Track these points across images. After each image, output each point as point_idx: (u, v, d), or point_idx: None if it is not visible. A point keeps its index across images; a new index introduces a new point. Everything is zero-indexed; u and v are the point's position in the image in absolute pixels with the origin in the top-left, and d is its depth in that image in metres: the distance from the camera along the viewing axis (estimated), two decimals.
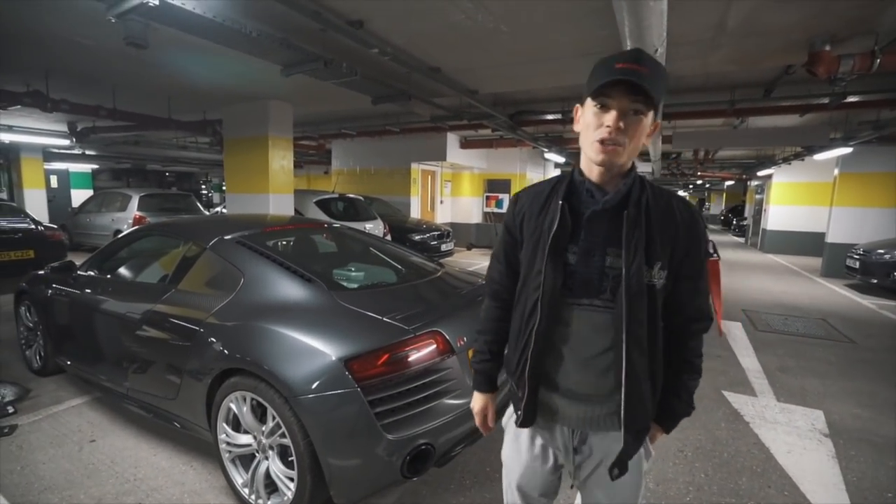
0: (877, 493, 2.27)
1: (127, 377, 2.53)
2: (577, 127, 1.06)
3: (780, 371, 3.83)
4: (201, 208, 10.40)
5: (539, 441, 1.20)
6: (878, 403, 3.26)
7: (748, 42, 3.59)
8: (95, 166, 16.31)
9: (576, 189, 1.07)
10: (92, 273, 3.06)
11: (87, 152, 11.91)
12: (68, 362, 3.04)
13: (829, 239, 8.84)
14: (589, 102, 0.99)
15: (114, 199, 9.38)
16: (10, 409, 2.86)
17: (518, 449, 1.23)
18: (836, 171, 8.76)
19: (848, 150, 7.57)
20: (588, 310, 1.04)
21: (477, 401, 1.32)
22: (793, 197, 11.92)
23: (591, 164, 1.03)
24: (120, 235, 3.31)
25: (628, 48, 2.56)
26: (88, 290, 2.91)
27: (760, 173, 13.21)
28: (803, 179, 11.63)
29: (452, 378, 1.98)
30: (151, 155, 12.86)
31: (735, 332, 4.87)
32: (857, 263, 7.35)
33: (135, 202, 8.80)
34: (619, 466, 1.08)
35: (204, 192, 22.73)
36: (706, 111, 5.99)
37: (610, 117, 0.95)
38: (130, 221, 8.52)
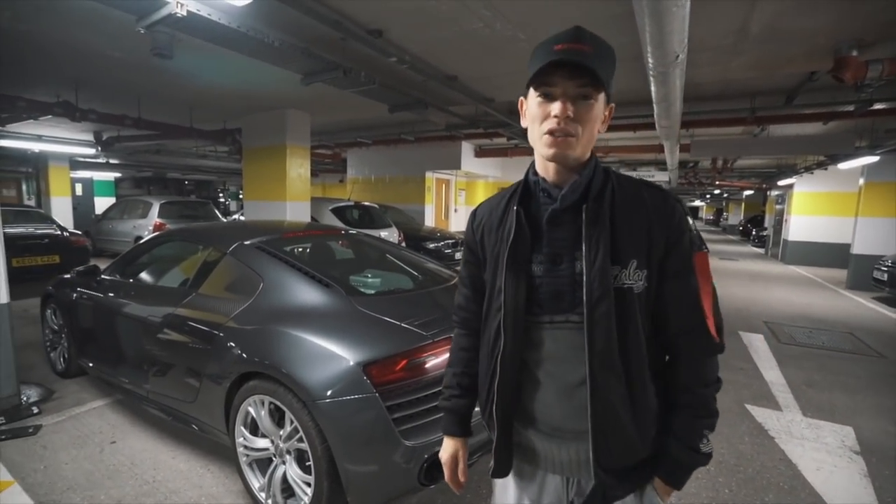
0: None
1: (147, 379, 2.56)
2: (523, 122, 0.93)
3: (805, 385, 3.71)
4: (219, 215, 10.60)
5: (526, 499, 0.99)
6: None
7: (771, 47, 3.53)
8: (118, 175, 16.80)
9: (531, 191, 0.94)
10: (115, 277, 3.13)
11: (111, 161, 12.26)
12: (91, 364, 3.10)
13: (855, 250, 8.60)
14: (532, 93, 0.87)
15: (135, 207, 9.62)
16: (35, 410, 2.92)
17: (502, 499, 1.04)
18: (861, 181, 8.54)
19: (874, 158, 7.38)
20: (564, 328, 0.88)
21: (445, 448, 1.09)
22: (815, 207, 11.63)
23: (544, 162, 0.91)
24: (142, 241, 3.38)
25: (648, 53, 2.57)
26: (111, 294, 2.97)
27: (781, 183, 12.94)
28: (826, 189, 11.34)
29: None
30: (172, 163, 13.19)
31: (757, 345, 4.74)
32: (886, 275, 7.13)
33: (155, 209, 9.01)
34: None
35: (221, 199, 23.17)
36: (725, 119, 5.91)
37: (556, 106, 0.83)
38: (151, 228, 8.72)
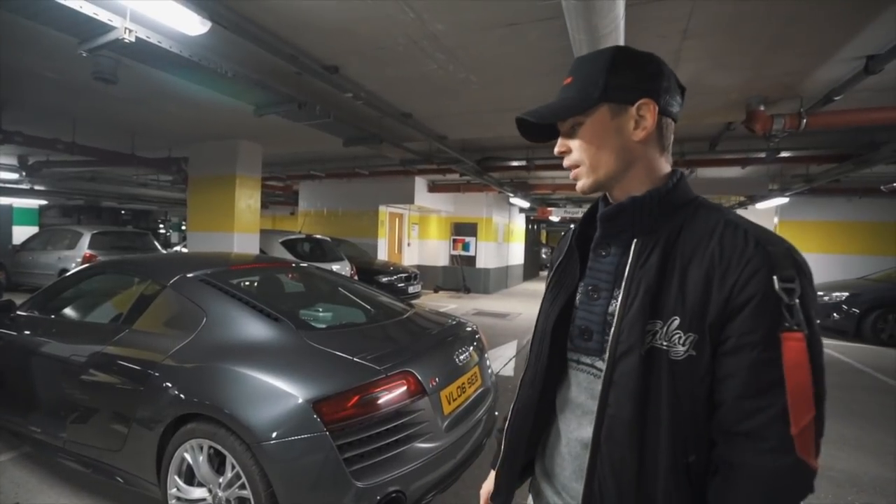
0: None
1: (65, 428, 2.29)
2: None
3: None
4: (159, 247, 9.99)
5: None
6: (832, 439, 3.38)
7: (695, 100, 3.97)
8: (44, 202, 15.47)
9: (595, 214, 0.84)
10: (33, 313, 2.83)
11: (37, 187, 11.31)
12: None
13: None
14: None
15: (62, 237, 8.90)
16: None
17: None
18: (775, 220, 9.51)
19: (784, 200, 8.27)
20: (589, 373, 0.77)
21: (488, 481, 0.98)
22: None
23: None
24: (69, 273, 3.11)
25: None
26: (27, 332, 2.68)
27: None
28: None
29: (424, 420, 1.92)
30: (108, 192, 12.36)
31: None
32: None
33: (86, 240, 8.37)
34: None
35: (162, 230, 21.91)
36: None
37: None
38: (79, 260, 8.05)
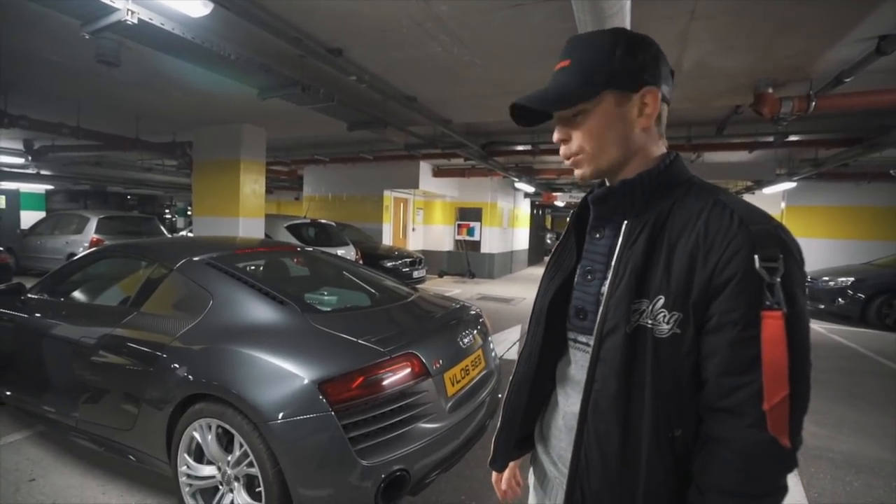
0: None
1: (77, 408, 2.35)
2: None
3: None
4: (165, 232, 10.06)
5: (534, 498, 0.95)
6: (832, 422, 3.42)
7: (702, 83, 3.91)
8: (50, 187, 15.56)
9: None
10: (43, 296, 2.88)
11: (43, 172, 11.37)
12: (8, 393, 2.80)
13: None
14: None
15: (69, 221, 8.96)
16: None
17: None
18: (782, 205, 9.42)
19: (792, 184, 8.18)
20: (584, 350, 0.80)
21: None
22: None
23: None
24: (77, 256, 3.15)
25: None
26: (38, 315, 2.73)
27: None
28: None
29: (428, 402, 1.95)
30: (113, 177, 12.42)
31: None
32: (806, 290, 7.81)
33: (93, 224, 8.43)
34: None
35: (168, 215, 22.01)
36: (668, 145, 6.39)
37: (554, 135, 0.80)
38: (87, 244, 8.13)
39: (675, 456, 0.69)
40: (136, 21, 2.20)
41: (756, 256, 0.63)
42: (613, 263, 0.74)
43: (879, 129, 5.24)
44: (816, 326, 7.02)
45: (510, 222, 13.55)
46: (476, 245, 12.14)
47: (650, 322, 0.69)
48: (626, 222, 0.75)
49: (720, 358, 0.65)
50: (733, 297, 0.64)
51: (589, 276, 0.79)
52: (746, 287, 0.63)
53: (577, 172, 0.80)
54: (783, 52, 3.25)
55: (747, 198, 11.89)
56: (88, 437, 2.33)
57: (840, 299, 7.20)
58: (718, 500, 0.65)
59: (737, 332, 0.64)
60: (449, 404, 2.03)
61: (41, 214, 13.75)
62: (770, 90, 3.64)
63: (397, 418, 1.82)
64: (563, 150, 0.80)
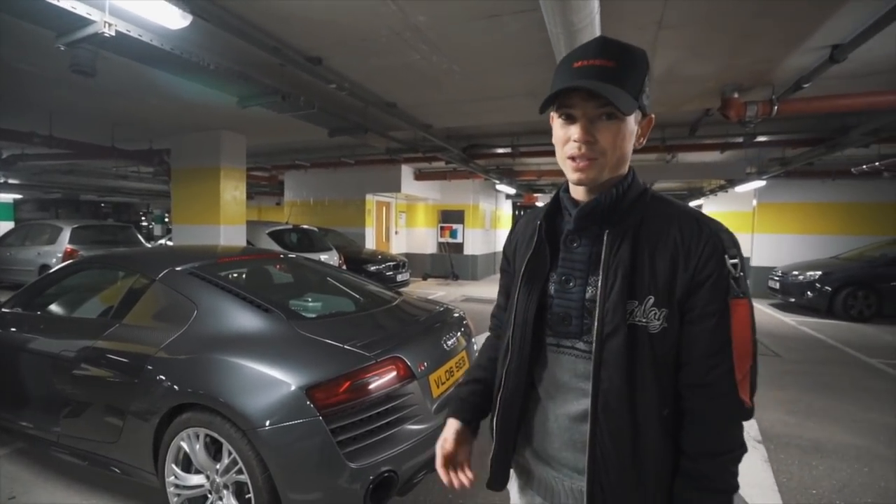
0: (803, 491, 2.49)
1: (58, 422, 2.33)
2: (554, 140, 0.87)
3: None
4: (142, 240, 9.85)
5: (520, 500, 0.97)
6: (802, 410, 3.58)
7: (672, 87, 4.07)
8: (18, 196, 15.06)
9: (560, 207, 0.91)
10: (17, 310, 2.83)
11: (10, 181, 11.02)
12: None
13: (753, 262, 9.73)
14: (554, 114, 0.83)
15: (41, 232, 8.71)
16: None
17: None
18: (754, 202, 9.75)
19: (762, 183, 8.48)
20: (570, 354, 0.84)
21: (444, 428, 1.03)
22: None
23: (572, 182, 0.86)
24: (54, 269, 3.10)
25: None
26: (14, 329, 2.68)
27: (692, 203, 14.40)
28: (729, 209, 12.75)
29: (413, 403, 1.99)
30: (86, 184, 12.11)
31: None
32: (777, 284, 8.13)
33: (66, 234, 8.21)
34: None
35: (144, 223, 21.52)
36: (642, 147, 6.56)
37: (575, 130, 0.78)
38: (60, 255, 7.91)
39: (667, 433, 0.79)
40: (113, 33, 2.19)
41: (726, 256, 0.76)
42: (601, 270, 0.80)
43: (840, 129, 5.51)
44: (788, 320, 7.29)
45: (493, 223, 13.69)
46: (459, 247, 12.23)
47: (644, 320, 0.77)
48: (607, 232, 0.82)
49: (702, 343, 0.77)
50: (711, 292, 0.76)
51: (571, 284, 0.84)
52: (721, 282, 0.76)
53: (585, 175, 0.80)
54: (746, 59, 3.42)
55: (721, 196, 12.26)
56: (70, 452, 2.30)
57: (809, 292, 7.49)
58: (710, 463, 0.76)
59: (715, 321, 0.76)
60: (435, 405, 2.08)
61: (10, 225, 13.30)
62: (736, 95, 3.83)
63: (384, 421, 1.87)
64: (584, 148, 0.78)
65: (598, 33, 2.03)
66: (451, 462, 0.97)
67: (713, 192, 11.90)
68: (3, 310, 2.85)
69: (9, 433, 2.64)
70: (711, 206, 13.00)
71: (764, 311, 7.96)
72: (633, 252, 0.79)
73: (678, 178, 9.94)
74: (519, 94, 4.25)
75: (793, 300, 7.78)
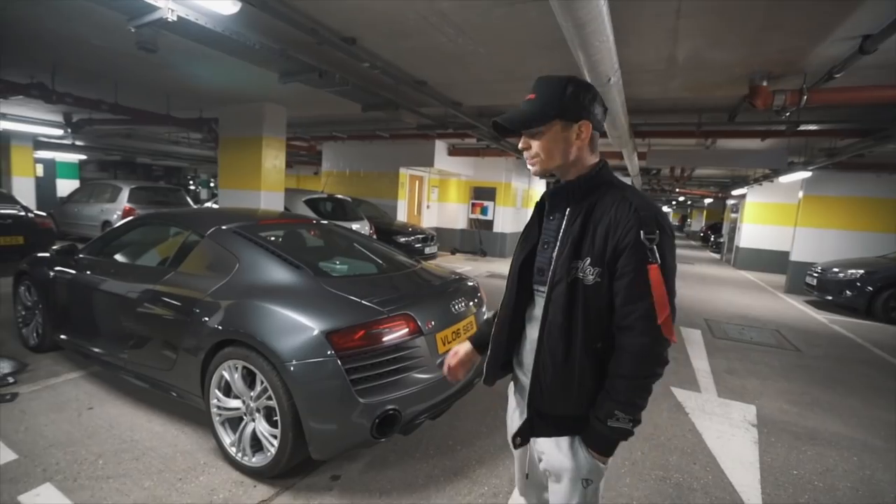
0: (785, 471, 2.60)
1: (125, 350, 2.76)
2: None
3: (726, 372, 4.19)
4: (190, 202, 10.52)
5: (512, 402, 1.34)
6: (806, 401, 3.63)
7: (698, 74, 4.03)
8: (83, 157, 16.27)
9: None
10: (93, 256, 3.29)
11: (78, 143, 11.98)
12: (65, 338, 3.25)
13: (793, 257, 9.36)
14: None
15: (103, 190, 9.47)
16: (11, 380, 3.07)
17: (508, 406, 1.38)
18: (800, 194, 9.31)
19: (807, 174, 8.10)
20: (540, 296, 1.15)
21: (459, 345, 1.46)
22: (764, 216, 12.40)
23: None
24: (119, 223, 3.54)
25: (585, 75, 2.96)
26: (90, 272, 3.13)
27: (735, 192, 13.80)
28: (774, 200, 12.13)
29: (420, 356, 2.27)
30: (142, 148, 12.96)
31: (693, 338, 5.26)
32: (815, 281, 7.82)
33: (125, 194, 8.92)
34: (521, 435, 1.20)
35: (192, 186, 22.70)
36: (676, 131, 6.42)
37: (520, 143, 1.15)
38: (120, 213, 8.64)
39: (598, 359, 1.08)
40: (175, 18, 2.50)
41: (641, 232, 1.01)
42: (559, 237, 1.11)
43: (893, 120, 5.22)
44: (820, 317, 7.08)
45: (524, 202, 13.67)
46: (489, 224, 12.35)
47: (582, 275, 1.06)
48: (568, 209, 1.12)
49: (622, 294, 1.03)
50: (629, 256, 1.02)
51: (545, 246, 1.15)
52: (636, 250, 1.02)
53: (532, 169, 1.15)
54: (769, 48, 3.36)
55: (767, 186, 11.70)
56: (135, 376, 2.74)
57: (847, 291, 7.21)
58: (621, 382, 1.04)
59: (631, 278, 1.02)
60: (439, 360, 2.33)
61: (75, 183, 14.46)
62: (765, 83, 3.74)
63: (392, 367, 2.15)
64: (525, 153, 1.14)
65: (607, 25, 2.13)
66: (453, 363, 1.43)
67: (757, 181, 11.40)
68: (80, 255, 3.33)
69: (86, 357, 3.14)
70: (755, 197, 12.42)
71: (797, 308, 7.75)
72: (583, 225, 1.08)
73: (715, 165, 9.56)
74: (536, 76, 4.28)
75: (830, 298, 7.50)
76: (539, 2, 2.75)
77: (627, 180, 12.20)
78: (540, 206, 1.22)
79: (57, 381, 3.13)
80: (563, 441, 1.14)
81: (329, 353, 2.01)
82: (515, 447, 1.27)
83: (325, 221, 3.83)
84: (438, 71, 4.52)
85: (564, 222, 1.11)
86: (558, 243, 1.11)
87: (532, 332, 1.18)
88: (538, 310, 1.14)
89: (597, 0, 1.84)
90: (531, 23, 3.11)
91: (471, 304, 2.75)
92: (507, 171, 11.99)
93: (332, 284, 2.38)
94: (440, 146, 10.22)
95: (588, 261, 1.05)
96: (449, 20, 3.18)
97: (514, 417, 1.31)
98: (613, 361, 1.06)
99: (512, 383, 1.34)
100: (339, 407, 2.01)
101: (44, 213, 7.74)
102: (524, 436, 1.19)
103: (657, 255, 1.01)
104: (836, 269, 7.57)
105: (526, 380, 1.18)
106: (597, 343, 1.08)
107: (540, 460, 1.20)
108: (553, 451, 1.15)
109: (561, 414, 1.13)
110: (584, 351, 1.07)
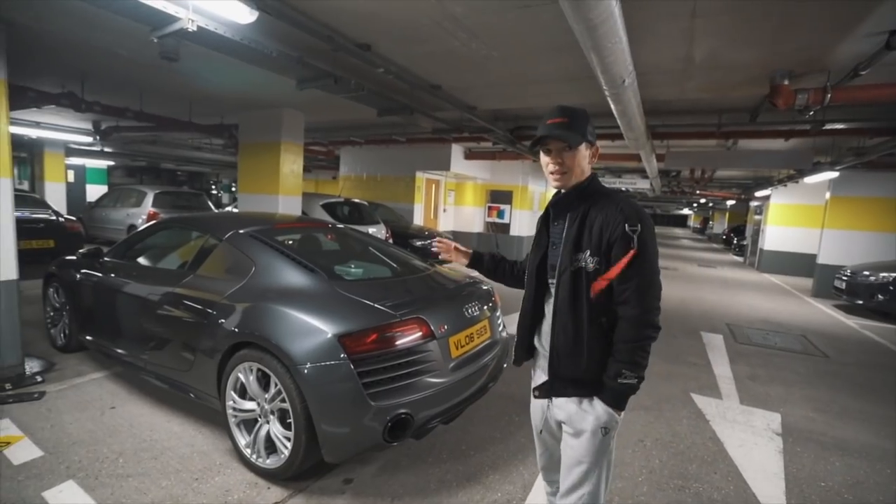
0: (812, 482, 2.51)
1: (146, 352, 2.84)
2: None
3: (749, 378, 4.07)
4: (212, 207, 10.77)
5: (536, 380, 1.55)
6: (834, 410, 3.50)
7: (716, 74, 3.93)
8: (111, 163, 16.86)
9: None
10: (117, 259, 3.40)
11: (106, 149, 12.40)
12: (91, 339, 3.36)
13: (820, 260, 9.06)
14: (540, 148, 1.42)
15: (129, 196, 9.76)
16: (39, 379, 3.19)
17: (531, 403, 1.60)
18: (827, 195, 9.01)
19: (834, 174, 7.83)
20: (552, 286, 1.43)
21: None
22: (789, 218, 12.07)
23: None
24: (141, 228, 3.65)
25: (599, 77, 2.93)
26: (114, 275, 3.23)
27: (759, 194, 13.44)
28: (799, 202, 11.80)
29: (432, 360, 2.26)
30: (166, 154, 13.33)
31: (715, 343, 5.12)
32: (844, 284, 7.54)
33: (150, 199, 9.18)
34: (540, 390, 1.48)
35: (214, 191, 23.25)
36: (696, 133, 6.30)
37: (548, 159, 1.40)
38: (145, 217, 8.89)
39: (604, 332, 1.34)
40: (195, 28, 2.57)
41: (626, 224, 1.28)
42: (563, 237, 1.39)
43: None
44: (850, 322, 6.84)
45: (541, 206, 13.59)
46: (506, 228, 12.31)
47: (583, 264, 1.33)
48: (569, 214, 1.40)
49: (616, 277, 1.29)
50: (619, 245, 1.29)
51: (554, 247, 1.43)
52: (624, 241, 1.29)
53: (559, 182, 1.40)
54: (790, 45, 3.26)
55: (791, 187, 11.36)
56: (155, 377, 2.81)
57: (880, 295, 6.95)
58: (624, 346, 1.30)
59: (625, 266, 1.28)
60: (452, 364, 2.33)
61: (104, 188, 14.98)
62: (786, 82, 3.63)
63: (404, 371, 2.15)
64: (555, 166, 1.39)
65: (620, 27, 2.11)
66: (453, 247, 1.82)
67: (781, 182, 11.08)
68: (105, 259, 3.44)
69: (109, 358, 3.24)
70: (780, 198, 12.09)
71: (825, 312, 7.49)
72: (581, 224, 1.36)
73: (737, 167, 9.30)
74: (556, 80, 4.30)
75: (860, 302, 7.23)
76: (551, 4, 2.73)
77: (646, 182, 12.09)
78: (545, 216, 1.49)
79: (82, 381, 3.23)
80: (584, 401, 1.39)
81: (342, 356, 2.02)
82: (535, 398, 1.54)
83: (341, 225, 3.87)
84: (453, 75, 4.53)
85: (566, 225, 1.39)
86: (562, 243, 1.38)
87: (549, 315, 1.43)
88: (553, 297, 1.40)
89: (608, 1, 1.83)
90: (544, 26, 3.10)
91: (485, 307, 2.73)
92: (524, 174, 11.94)
93: (346, 288, 2.40)
94: (456, 150, 10.25)
95: (588, 252, 1.33)
96: (462, 25, 3.19)
97: (536, 405, 1.57)
98: (617, 331, 1.32)
99: (537, 362, 1.57)
100: (352, 410, 2.02)
101: (73, 218, 8.02)
102: (544, 393, 1.46)
103: (636, 243, 1.27)
104: (866, 272, 7.30)
105: (544, 351, 1.47)
106: (601, 318, 1.33)
107: (561, 424, 1.45)
108: (575, 410, 1.40)
109: (575, 377, 1.38)
110: (590, 323, 1.33)
